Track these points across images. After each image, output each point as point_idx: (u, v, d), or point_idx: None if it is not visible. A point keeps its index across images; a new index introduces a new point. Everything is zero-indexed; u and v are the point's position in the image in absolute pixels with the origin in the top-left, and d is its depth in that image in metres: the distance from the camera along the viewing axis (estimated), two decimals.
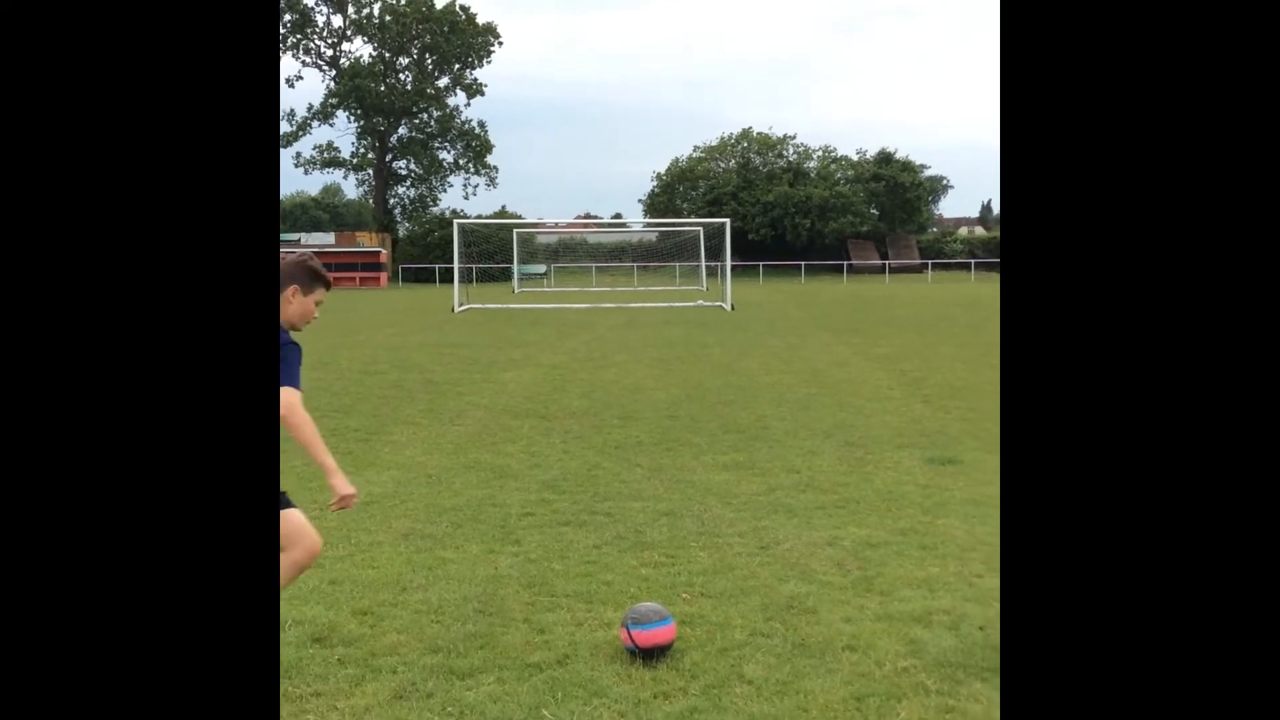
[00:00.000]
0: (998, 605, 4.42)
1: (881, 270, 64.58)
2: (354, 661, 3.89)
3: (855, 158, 73.08)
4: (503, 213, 70.27)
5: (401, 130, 71.73)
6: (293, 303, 3.75)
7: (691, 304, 32.99)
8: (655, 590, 4.69)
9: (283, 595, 4.62)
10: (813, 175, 70.80)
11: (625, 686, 3.65)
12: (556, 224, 64.84)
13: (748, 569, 5.03)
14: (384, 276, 59.04)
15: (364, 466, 7.57)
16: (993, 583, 4.77)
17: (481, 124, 72.55)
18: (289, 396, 3.53)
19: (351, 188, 79.70)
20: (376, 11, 68.52)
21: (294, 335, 3.73)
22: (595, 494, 6.65)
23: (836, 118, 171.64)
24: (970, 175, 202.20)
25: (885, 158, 71.77)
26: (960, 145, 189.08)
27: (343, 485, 3.68)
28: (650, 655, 3.82)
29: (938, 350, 16.19)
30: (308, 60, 70.75)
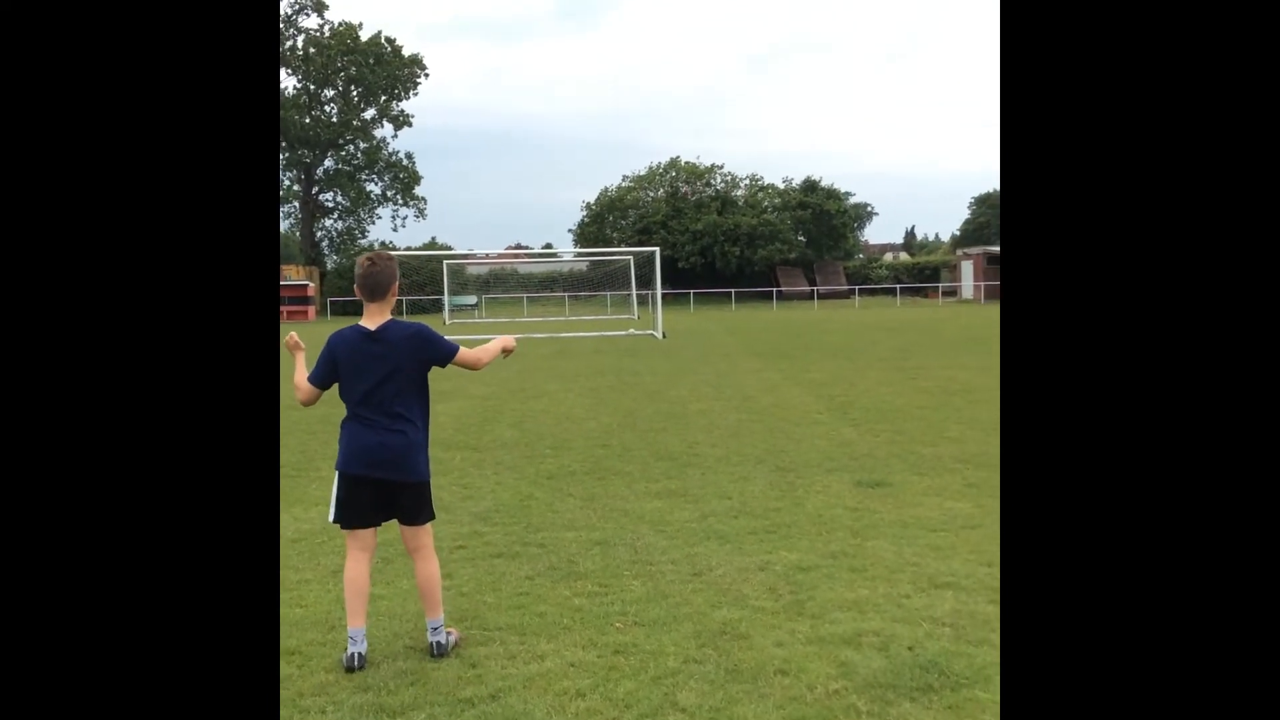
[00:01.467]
0: (925, 626, 4.49)
1: (810, 296, 65.45)
2: (282, 703, 3.81)
3: (782, 186, 74.14)
4: (433, 244, 69.89)
5: (328, 163, 71.01)
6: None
7: (623, 333, 33.07)
8: (588, 620, 4.68)
9: None
10: (741, 203, 71.63)
11: (559, 718, 3.63)
12: (487, 254, 64.74)
13: (681, 596, 5.04)
14: (312, 310, 58.28)
15: (290, 504, 7.43)
16: (920, 603, 4.84)
17: (409, 155, 72.17)
18: (461, 353, 4.45)
19: None
20: (300, 44, 67.94)
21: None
22: (528, 525, 6.62)
23: (762, 148, 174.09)
24: (893, 202, 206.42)
25: (811, 185, 72.87)
26: (882, 173, 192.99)
27: (508, 341, 4.70)
28: None
29: (865, 374, 16.42)
30: None
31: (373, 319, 4.38)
